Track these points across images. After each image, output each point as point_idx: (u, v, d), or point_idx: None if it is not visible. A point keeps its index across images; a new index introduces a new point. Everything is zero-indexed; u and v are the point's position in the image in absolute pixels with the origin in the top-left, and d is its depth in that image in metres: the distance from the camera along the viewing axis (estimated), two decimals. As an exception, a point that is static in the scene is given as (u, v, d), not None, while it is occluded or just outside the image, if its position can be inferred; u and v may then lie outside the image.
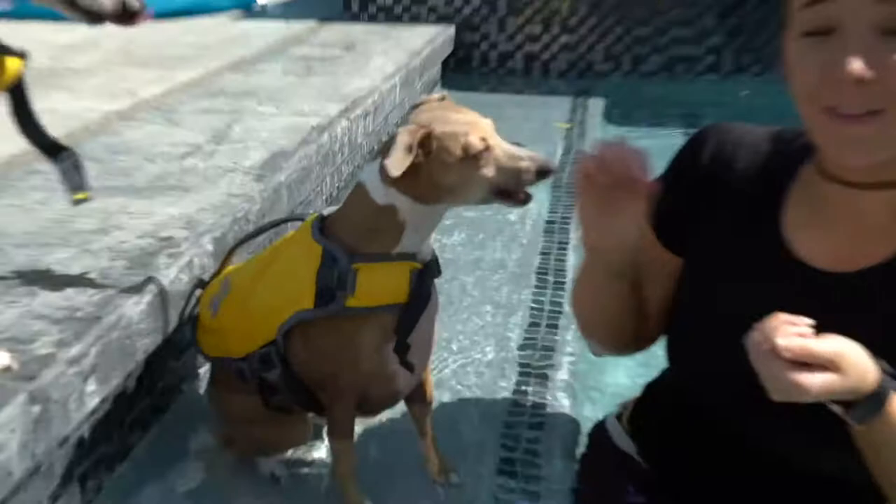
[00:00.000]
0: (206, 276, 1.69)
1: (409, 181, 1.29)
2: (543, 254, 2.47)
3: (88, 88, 3.03)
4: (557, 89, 4.44)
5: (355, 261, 1.35)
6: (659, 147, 3.77)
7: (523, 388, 1.82)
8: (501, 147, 1.32)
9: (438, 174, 1.30)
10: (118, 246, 1.70)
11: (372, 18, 4.67)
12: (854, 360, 0.97)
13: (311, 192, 2.44)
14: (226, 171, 2.18)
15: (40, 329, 1.37)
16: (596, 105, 4.01)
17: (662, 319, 1.32)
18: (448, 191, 1.32)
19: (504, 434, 1.67)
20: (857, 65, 0.98)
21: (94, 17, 1.23)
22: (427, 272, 1.40)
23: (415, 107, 1.41)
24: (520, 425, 1.70)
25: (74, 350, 1.33)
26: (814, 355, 0.94)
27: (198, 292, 1.64)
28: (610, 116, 3.89)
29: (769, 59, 4.51)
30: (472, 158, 1.29)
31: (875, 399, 0.99)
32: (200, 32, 4.25)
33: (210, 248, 1.75)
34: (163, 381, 1.72)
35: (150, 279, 1.57)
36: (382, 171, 1.30)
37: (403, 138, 1.27)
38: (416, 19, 4.63)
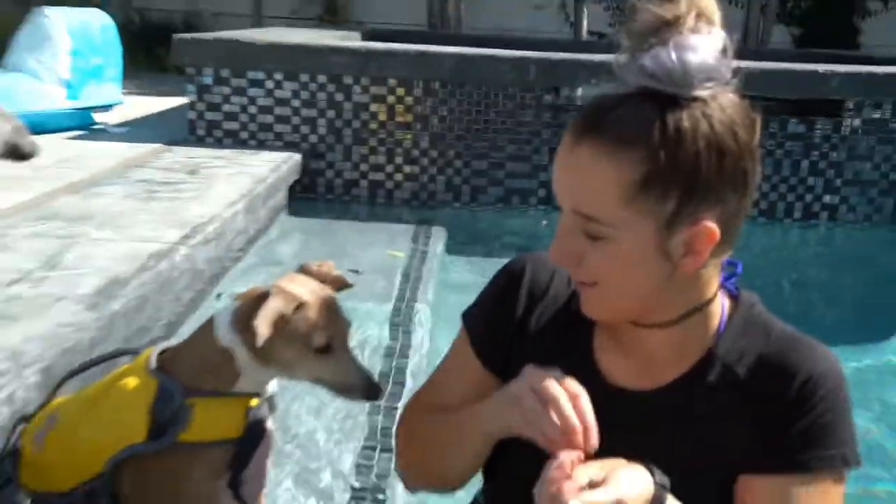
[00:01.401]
0: (30, 409, 1.63)
1: (252, 336, 1.30)
2: (382, 375, 2.50)
3: (-89, 208, 2.91)
4: (401, 217, 4.58)
5: (190, 396, 1.36)
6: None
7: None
8: (343, 357, 1.35)
9: (276, 344, 1.31)
10: (-70, 378, 1.63)
11: (218, 142, 4.71)
12: (633, 495, 1.08)
13: (149, 319, 2.41)
14: (56, 300, 2.13)
15: None
16: (438, 234, 4.15)
17: None
18: (277, 362, 1.36)
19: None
20: (555, 255, 1.19)
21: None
22: (263, 408, 1.42)
23: (301, 267, 1.42)
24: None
25: None
26: None
27: (21, 427, 1.58)
28: (450, 246, 4.04)
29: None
30: (311, 350, 1.33)
31: None
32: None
33: (34, 380, 1.71)
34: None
35: (-34, 415, 1.51)
36: (236, 317, 1.34)
37: (278, 304, 1.29)
38: (262, 145, 4.71)
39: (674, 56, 1.09)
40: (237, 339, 1.35)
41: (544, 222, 4.56)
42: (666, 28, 1.11)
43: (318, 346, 1.32)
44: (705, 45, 1.10)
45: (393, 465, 1.45)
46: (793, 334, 1.28)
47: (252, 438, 1.40)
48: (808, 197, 4.99)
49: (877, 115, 4.89)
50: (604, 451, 1.13)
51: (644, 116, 1.11)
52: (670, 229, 1.15)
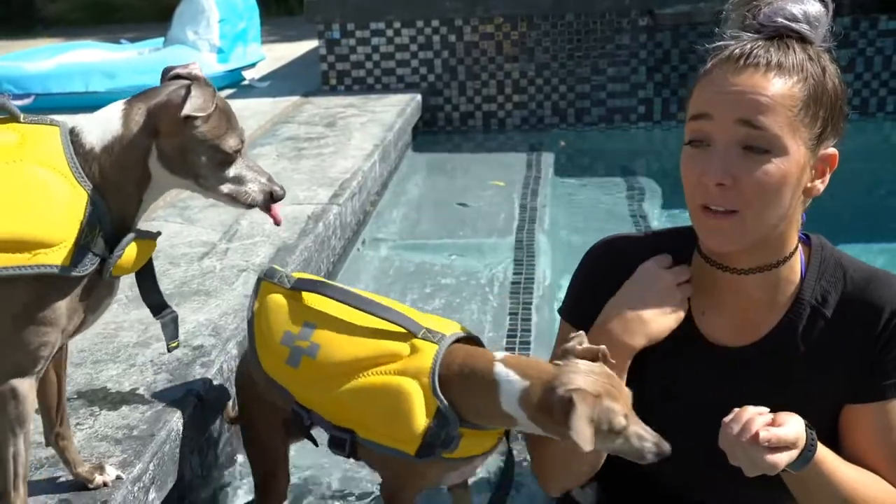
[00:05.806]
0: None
1: (547, 420, 1.25)
2: (511, 314, 2.55)
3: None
4: (513, 141, 4.56)
5: (462, 426, 1.33)
6: (605, 200, 3.80)
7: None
8: (635, 428, 1.24)
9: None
10: (158, 359, 1.74)
11: (348, 90, 4.76)
12: (800, 433, 1.13)
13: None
14: (240, 271, 2.22)
15: (106, 450, 1.45)
16: (547, 159, 4.09)
17: None
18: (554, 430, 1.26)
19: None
20: (718, 174, 1.17)
21: (249, 206, 1.28)
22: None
23: (565, 351, 1.29)
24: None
25: (137, 469, 1.41)
26: (784, 441, 1.11)
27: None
28: (558, 170, 3.98)
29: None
30: (611, 431, 1.22)
31: (807, 455, 1.15)
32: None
33: (235, 352, 1.81)
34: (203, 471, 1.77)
35: (189, 391, 1.62)
36: (525, 397, 1.26)
37: (586, 411, 1.18)
38: (386, 89, 4.72)
39: (805, 6, 1.21)
40: (523, 413, 1.28)
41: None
42: None
43: (618, 427, 1.21)
44: (814, 4, 1.22)
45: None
46: (867, 270, 1.28)
47: (508, 483, 1.45)
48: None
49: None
50: (716, 403, 1.16)
51: (794, 50, 1.19)
52: (813, 151, 1.19)
